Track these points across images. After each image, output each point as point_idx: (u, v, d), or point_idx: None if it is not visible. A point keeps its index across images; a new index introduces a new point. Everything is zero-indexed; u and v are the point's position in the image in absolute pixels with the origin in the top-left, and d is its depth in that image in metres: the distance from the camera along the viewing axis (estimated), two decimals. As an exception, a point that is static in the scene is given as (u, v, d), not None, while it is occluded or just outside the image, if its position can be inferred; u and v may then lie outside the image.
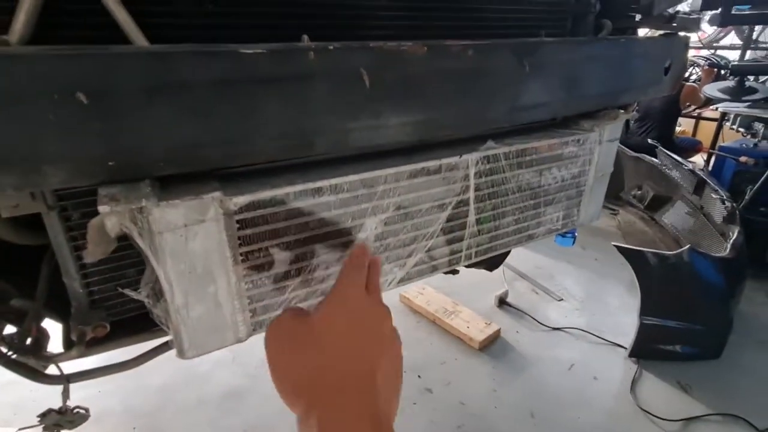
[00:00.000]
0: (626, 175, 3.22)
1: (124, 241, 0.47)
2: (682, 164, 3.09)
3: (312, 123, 0.46)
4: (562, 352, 2.15)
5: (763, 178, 2.72)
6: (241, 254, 0.48)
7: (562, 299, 2.54)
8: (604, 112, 0.74)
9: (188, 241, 0.43)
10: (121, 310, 0.58)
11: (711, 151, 3.59)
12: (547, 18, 0.77)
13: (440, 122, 0.54)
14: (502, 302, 2.48)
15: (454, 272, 0.82)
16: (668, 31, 0.83)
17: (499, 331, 2.23)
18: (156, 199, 0.41)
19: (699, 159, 4.09)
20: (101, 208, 0.38)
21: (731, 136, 3.53)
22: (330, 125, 0.47)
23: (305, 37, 0.49)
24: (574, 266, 2.88)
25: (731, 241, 2.11)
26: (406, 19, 0.62)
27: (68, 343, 0.58)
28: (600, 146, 0.73)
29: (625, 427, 1.75)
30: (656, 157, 3.06)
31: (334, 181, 0.49)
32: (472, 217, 0.62)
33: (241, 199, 0.45)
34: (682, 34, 0.83)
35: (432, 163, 0.56)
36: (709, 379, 1.95)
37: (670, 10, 0.86)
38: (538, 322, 2.34)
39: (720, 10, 2.19)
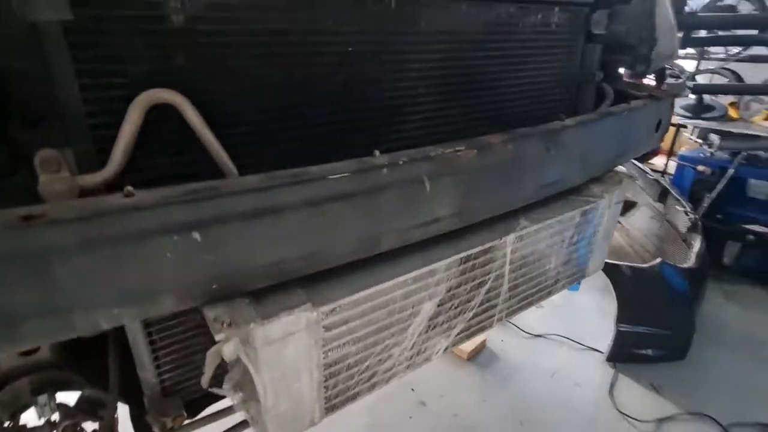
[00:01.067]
0: (596, 183, 3.39)
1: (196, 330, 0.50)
2: (646, 173, 3.30)
3: (381, 226, 0.51)
4: (545, 359, 2.27)
5: (718, 187, 2.94)
6: (323, 353, 0.52)
7: (541, 306, 2.67)
8: (610, 175, 0.82)
9: (282, 350, 0.47)
10: (188, 392, 0.61)
11: (670, 156, 3.86)
12: (557, 90, 0.84)
13: (482, 208, 0.60)
14: (486, 311, 2.59)
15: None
16: (658, 95, 0.92)
17: (485, 341, 2.33)
18: (260, 319, 0.45)
19: (657, 161, 4.36)
20: (218, 336, 0.41)
21: (687, 141, 3.80)
22: (395, 226, 0.52)
23: (377, 152, 0.54)
24: (551, 272, 3.03)
25: (695, 250, 2.30)
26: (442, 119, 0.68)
27: (139, 428, 0.60)
28: (609, 210, 0.81)
29: (602, 427, 1.89)
30: (623, 166, 3.24)
31: (401, 278, 0.54)
32: (506, 286, 0.69)
33: (327, 308, 0.50)
34: (670, 95, 0.92)
35: (478, 249, 0.62)
36: (678, 379, 2.12)
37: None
38: (520, 329, 2.45)
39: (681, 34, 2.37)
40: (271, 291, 0.49)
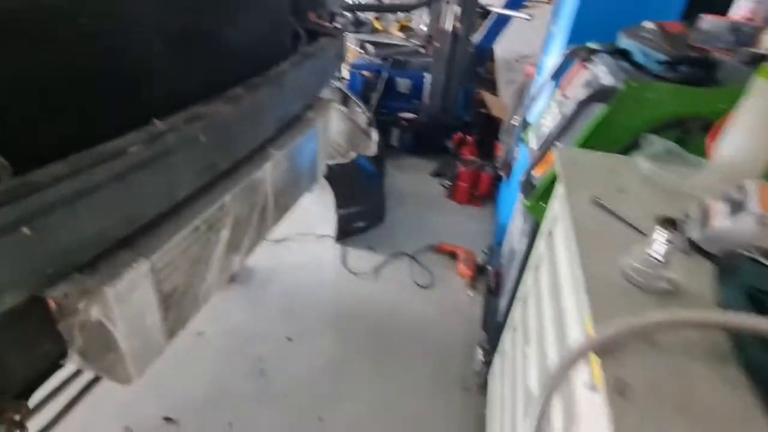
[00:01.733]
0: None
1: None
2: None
3: (176, 180, 0.60)
4: (292, 256, 2.68)
5: (379, 88, 3.78)
6: (158, 292, 0.60)
7: (277, 215, 3.01)
8: (319, 101, 1.08)
9: (131, 301, 0.53)
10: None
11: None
12: (270, 35, 0.99)
13: (244, 147, 0.75)
14: (230, 234, 2.75)
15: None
16: (336, 33, 1.21)
17: (238, 260, 2.53)
18: (109, 281, 0.50)
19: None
20: (81, 305, 0.45)
21: (354, 51, 4.59)
22: (186, 177, 0.62)
23: (156, 120, 0.58)
24: (276, 184, 3.36)
25: (374, 140, 3.02)
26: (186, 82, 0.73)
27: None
28: (324, 127, 1.08)
29: (347, 288, 2.49)
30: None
31: (202, 216, 0.65)
32: (272, 203, 0.88)
33: (155, 256, 0.57)
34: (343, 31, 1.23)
35: (249, 179, 0.77)
36: (382, 237, 2.91)
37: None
38: (266, 240, 2.75)
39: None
40: (102, 258, 0.54)
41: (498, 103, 4.03)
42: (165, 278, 0.61)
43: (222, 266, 0.77)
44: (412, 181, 3.65)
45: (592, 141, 1.38)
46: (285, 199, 0.98)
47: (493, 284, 2.24)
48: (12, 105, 0.51)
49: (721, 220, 0.88)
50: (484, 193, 3.37)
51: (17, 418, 0.56)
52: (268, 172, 0.85)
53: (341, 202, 2.69)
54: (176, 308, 0.66)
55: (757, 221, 0.81)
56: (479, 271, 2.60)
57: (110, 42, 0.61)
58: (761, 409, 0.58)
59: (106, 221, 0.52)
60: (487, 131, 3.70)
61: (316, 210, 3.06)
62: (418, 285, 2.52)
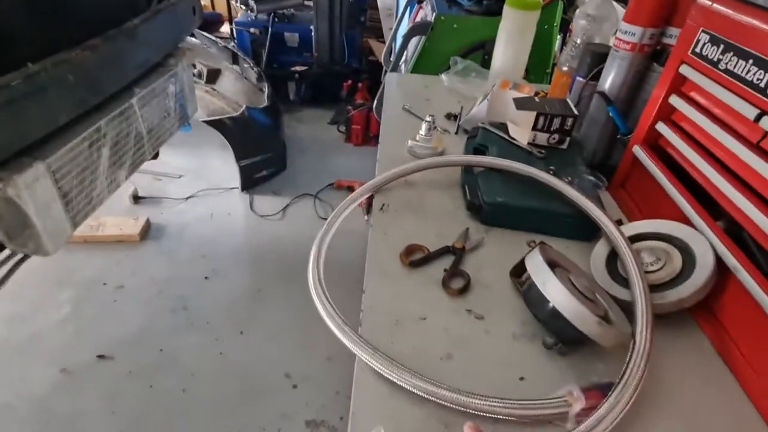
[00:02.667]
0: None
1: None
2: (217, 42, 3.91)
3: (57, 107, 0.83)
4: (201, 210, 2.86)
5: (267, 43, 3.89)
6: (58, 188, 0.83)
7: (181, 175, 3.14)
8: (179, 49, 1.30)
9: (36, 190, 0.77)
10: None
11: (231, 23, 4.58)
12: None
13: (110, 84, 0.97)
14: (137, 198, 2.86)
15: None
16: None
17: (148, 219, 2.68)
18: (18, 173, 0.74)
19: (225, 29, 5.05)
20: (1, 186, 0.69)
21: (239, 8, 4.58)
22: (64, 105, 0.85)
23: (29, 64, 0.78)
24: (176, 147, 3.43)
25: (266, 94, 3.20)
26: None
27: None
28: (184, 72, 1.30)
29: (256, 229, 2.76)
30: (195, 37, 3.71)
31: (86, 133, 0.89)
32: (144, 131, 1.11)
33: (50, 159, 0.81)
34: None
35: (119, 109, 1.00)
36: (287, 182, 3.17)
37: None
38: (173, 199, 2.91)
39: None
40: (9, 160, 0.77)
41: (383, 49, 4.32)
42: (61, 179, 0.85)
43: (109, 177, 1.02)
44: (312, 130, 3.89)
45: (419, 66, 1.74)
46: (158, 129, 1.22)
47: (381, 205, 2.62)
48: None
49: (474, 108, 1.27)
50: (376, 133, 3.71)
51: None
52: (136, 105, 1.08)
53: (240, 153, 2.89)
54: (75, 204, 0.91)
55: (488, 103, 1.21)
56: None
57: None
58: (464, 209, 0.98)
59: (7, 134, 0.76)
60: (378, 76, 4.00)
61: (222, 166, 3.23)
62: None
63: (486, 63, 1.76)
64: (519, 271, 0.78)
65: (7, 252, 0.86)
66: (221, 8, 5.43)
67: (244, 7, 4.14)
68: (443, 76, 1.55)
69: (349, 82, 4.00)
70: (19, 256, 0.91)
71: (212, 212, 2.86)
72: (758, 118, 0.64)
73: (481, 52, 1.76)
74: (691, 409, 0.63)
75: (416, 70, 1.74)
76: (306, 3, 4.20)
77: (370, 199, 3.08)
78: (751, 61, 0.67)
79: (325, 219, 0.93)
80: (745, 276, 0.64)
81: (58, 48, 0.90)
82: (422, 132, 1.13)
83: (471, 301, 0.76)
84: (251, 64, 3.47)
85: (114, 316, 2.16)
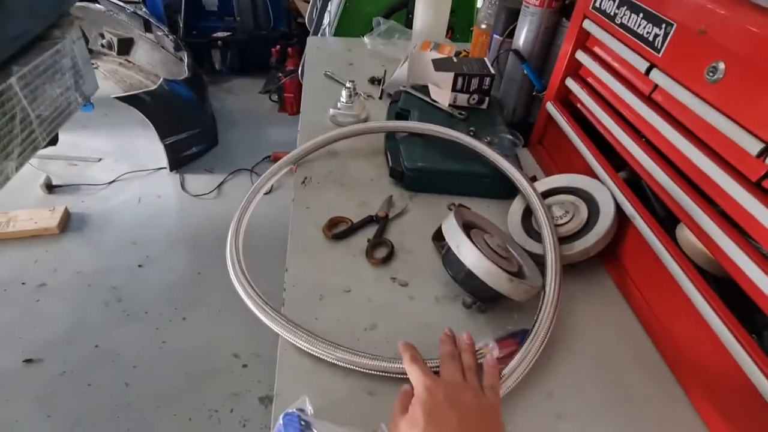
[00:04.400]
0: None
1: None
2: (125, 8, 3.55)
3: None
4: (127, 194, 2.68)
5: (182, 8, 3.58)
6: None
7: (100, 158, 2.91)
8: (66, 19, 1.15)
9: None
10: None
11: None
12: None
13: None
14: (50, 187, 2.62)
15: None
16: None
17: (66, 209, 2.47)
18: None
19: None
20: None
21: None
22: None
23: None
24: (92, 129, 3.16)
25: (186, 64, 2.97)
26: None
27: None
28: (75, 43, 1.16)
29: (190, 210, 2.63)
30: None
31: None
32: (32, 114, 0.99)
33: None
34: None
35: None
36: (220, 158, 3.02)
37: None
38: (95, 185, 2.69)
39: None
40: None
41: (311, 11, 4.12)
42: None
43: (-5, 169, 0.91)
44: (243, 101, 3.70)
45: (341, 29, 1.67)
46: (50, 112, 1.09)
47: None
48: None
49: (396, 71, 1.24)
50: (311, 101, 3.59)
51: None
52: (16, 85, 0.96)
53: (164, 131, 2.70)
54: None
55: (408, 66, 1.18)
56: (312, 169, 2.91)
57: None
58: (387, 176, 0.97)
59: None
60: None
61: (146, 146, 3.01)
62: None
63: (410, 23, 1.72)
64: (441, 235, 0.79)
65: None
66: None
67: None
68: (366, 39, 1.50)
69: (278, 47, 3.81)
70: None
71: (140, 196, 2.69)
72: (648, 70, 0.67)
73: (405, 12, 1.72)
74: (598, 348, 0.68)
75: (339, 33, 1.67)
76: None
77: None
78: (641, 15, 0.69)
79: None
80: (640, 223, 0.68)
81: None
82: (343, 99, 1.10)
83: (395, 269, 0.77)
84: (166, 32, 3.19)
85: (38, 316, 2.01)
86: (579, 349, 0.68)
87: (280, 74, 3.54)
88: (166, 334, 2.00)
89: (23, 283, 2.13)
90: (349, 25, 1.66)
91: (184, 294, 2.17)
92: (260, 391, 1.82)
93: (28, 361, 1.84)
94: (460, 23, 1.72)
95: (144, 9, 3.70)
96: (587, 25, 0.84)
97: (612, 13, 0.76)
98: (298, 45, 3.91)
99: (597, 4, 0.80)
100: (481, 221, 0.75)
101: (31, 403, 1.71)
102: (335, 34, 1.67)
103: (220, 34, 3.73)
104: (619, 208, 0.74)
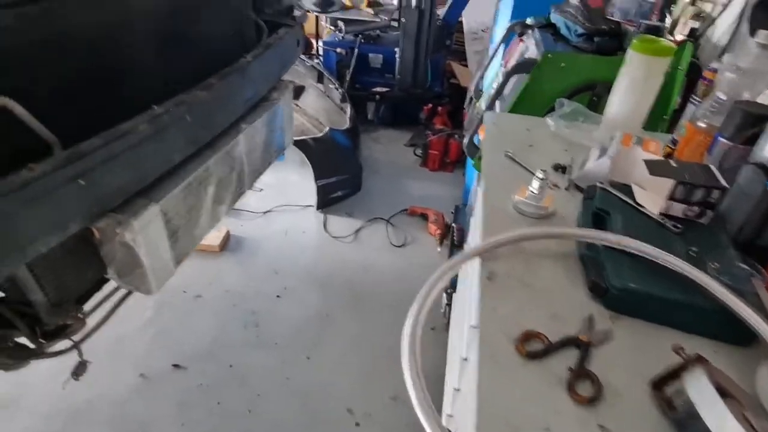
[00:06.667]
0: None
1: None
2: (305, 61, 4.04)
3: (173, 147, 0.84)
4: (277, 225, 2.93)
5: (352, 64, 3.96)
6: (166, 228, 0.85)
7: (261, 189, 3.25)
8: (281, 83, 1.31)
9: (148, 232, 0.78)
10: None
11: (317, 40, 4.73)
12: (235, 30, 1.21)
13: (220, 122, 0.99)
14: (219, 209, 2.98)
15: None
16: (293, 23, 1.42)
17: (228, 231, 2.78)
18: (134, 216, 0.75)
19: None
20: (117, 230, 0.70)
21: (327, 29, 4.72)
22: (178, 145, 0.86)
23: (155, 106, 0.81)
24: (259, 161, 3.57)
25: (348, 115, 3.24)
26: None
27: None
28: (286, 105, 1.31)
29: (329, 250, 2.76)
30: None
31: (197, 173, 0.90)
32: (246, 166, 1.12)
33: (163, 201, 0.82)
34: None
35: (227, 148, 1.01)
36: (361, 204, 3.17)
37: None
38: (252, 212, 3.00)
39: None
40: (126, 202, 0.79)
41: (466, 73, 4.24)
42: (170, 219, 0.86)
43: (211, 215, 1.02)
44: (388, 152, 3.88)
45: (519, 106, 1.64)
46: (257, 163, 1.22)
47: (457, 238, 2.52)
48: (59, 103, 0.75)
49: (590, 163, 1.15)
50: (454, 159, 3.62)
51: (80, 315, 0.82)
52: (241, 142, 1.09)
53: (319, 173, 2.93)
54: (180, 242, 0.91)
55: (611, 162, 1.08)
56: (447, 229, 2.87)
57: (118, 53, 0.85)
58: (582, 287, 0.86)
59: (129, 177, 0.77)
60: (458, 101, 3.92)
61: (300, 183, 3.30)
62: (392, 245, 2.80)
63: (593, 106, 1.62)
64: (662, 383, 0.65)
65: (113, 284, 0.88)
66: (309, 28, 5.65)
67: (332, 28, 4.26)
68: (549, 120, 1.43)
69: (429, 105, 3.96)
70: (124, 291, 0.94)
71: (287, 229, 2.92)
72: None
73: (589, 94, 1.63)
74: None
75: (515, 110, 1.63)
76: (392, 25, 4.23)
77: (443, 229, 2.95)
78: None
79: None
80: None
81: (177, 88, 0.92)
82: (534, 189, 1.03)
83: (602, 414, 0.65)
84: (336, 85, 3.53)
85: (190, 326, 2.24)
86: None
87: (428, 131, 3.65)
88: (290, 369, 2.06)
89: (184, 292, 2.41)
90: (528, 104, 1.62)
91: (311, 333, 2.24)
92: (369, 457, 1.75)
93: (176, 366, 2.03)
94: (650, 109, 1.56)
95: (318, 62, 4.18)
96: None
97: None
98: (449, 105, 4.03)
99: None
100: (731, 385, 0.60)
101: (170, 408, 1.87)
102: (511, 111, 1.64)
103: (379, 89, 4.01)
104: None
